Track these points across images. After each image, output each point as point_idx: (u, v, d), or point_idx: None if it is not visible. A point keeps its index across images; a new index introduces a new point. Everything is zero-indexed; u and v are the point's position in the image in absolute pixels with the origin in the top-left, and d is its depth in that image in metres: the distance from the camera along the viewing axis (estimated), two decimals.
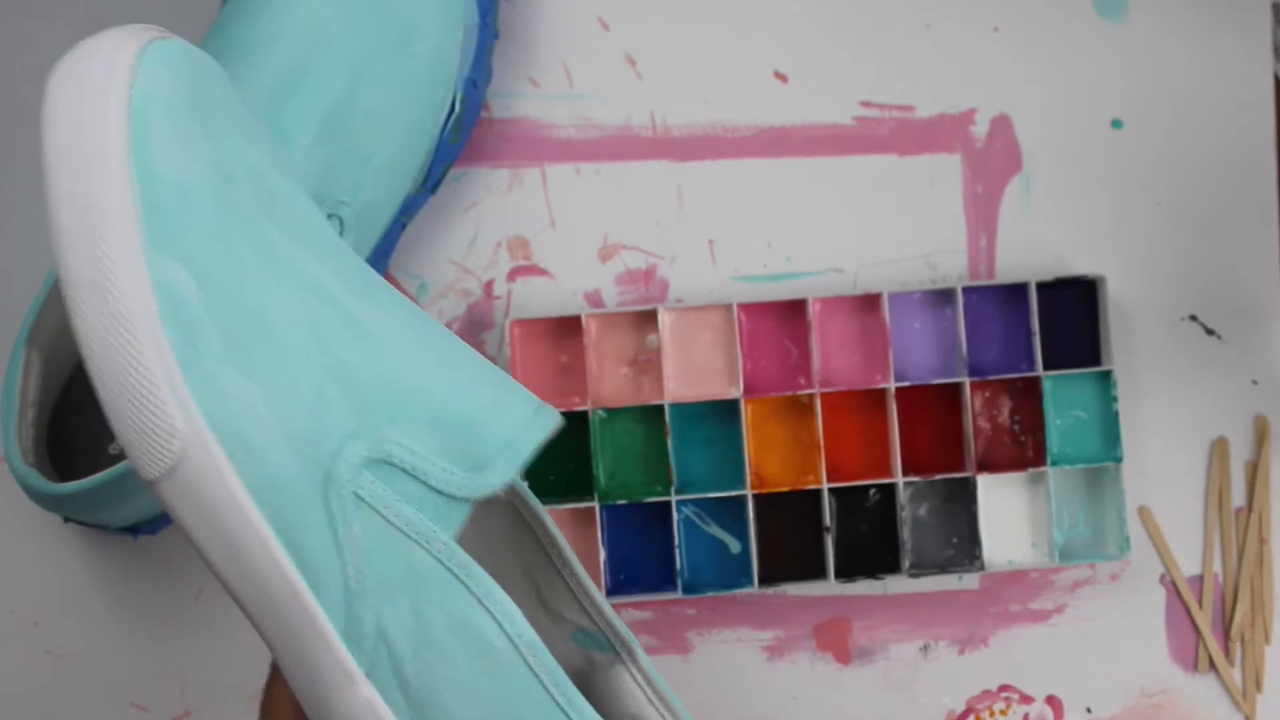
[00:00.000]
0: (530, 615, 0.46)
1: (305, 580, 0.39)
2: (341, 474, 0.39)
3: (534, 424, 0.41)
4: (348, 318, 0.40)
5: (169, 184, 0.38)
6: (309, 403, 0.39)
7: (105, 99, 0.38)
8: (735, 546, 0.59)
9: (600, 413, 0.59)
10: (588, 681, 0.46)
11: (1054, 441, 0.59)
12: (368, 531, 0.39)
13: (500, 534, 0.46)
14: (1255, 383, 0.61)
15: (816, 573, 0.59)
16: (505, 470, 0.40)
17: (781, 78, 0.61)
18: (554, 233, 0.60)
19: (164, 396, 0.38)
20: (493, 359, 0.60)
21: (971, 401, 0.59)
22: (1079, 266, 0.61)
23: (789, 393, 0.59)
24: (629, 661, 0.45)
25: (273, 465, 0.39)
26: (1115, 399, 0.59)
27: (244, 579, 0.40)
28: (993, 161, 0.61)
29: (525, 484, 0.45)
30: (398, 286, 0.60)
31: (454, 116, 0.56)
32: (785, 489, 0.58)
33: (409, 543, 0.40)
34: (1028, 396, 0.59)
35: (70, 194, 0.38)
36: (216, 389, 0.39)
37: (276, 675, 0.44)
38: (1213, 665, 0.60)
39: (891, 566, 0.59)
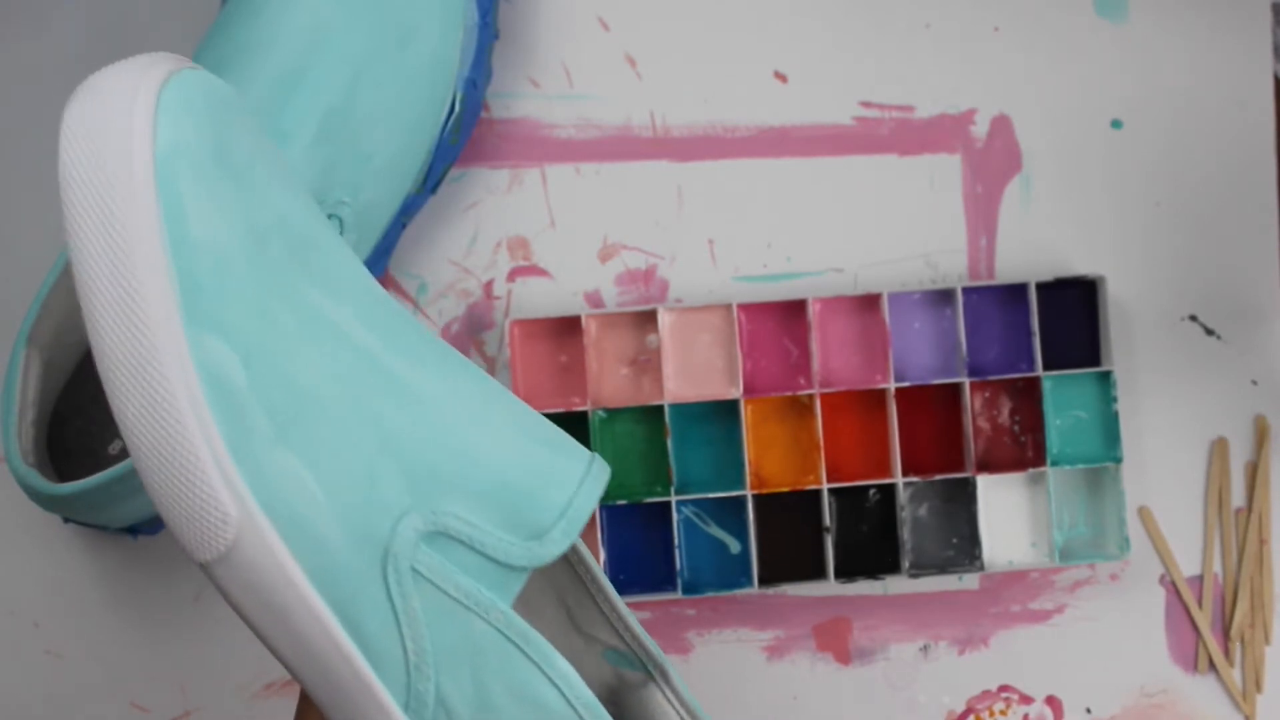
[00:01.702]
0: (563, 637, 0.46)
1: (365, 658, 0.39)
2: (399, 550, 0.38)
3: (588, 485, 0.40)
4: (393, 382, 0.39)
5: (204, 252, 0.37)
6: (361, 480, 0.38)
7: (129, 159, 0.36)
8: (735, 546, 0.59)
9: (600, 413, 0.59)
10: (619, 700, 0.46)
11: (1054, 441, 0.59)
12: (426, 605, 0.39)
13: None
14: (1255, 383, 0.61)
15: (816, 573, 0.59)
16: (563, 538, 0.40)
17: (781, 78, 0.61)
18: (554, 233, 0.60)
19: (215, 483, 0.37)
20: (492, 359, 0.60)
21: (971, 401, 0.59)
22: (1079, 266, 0.61)
23: (789, 393, 0.59)
24: (661, 682, 0.45)
25: (329, 546, 0.38)
26: (1115, 399, 0.59)
27: (301, 658, 0.39)
28: (993, 161, 0.61)
29: None
30: (398, 287, 0.60)
31: (454, 116, 0.56)
32: (785, 489, 0.58)
33: (468, 614, 0.39)
34: (1028, 396, 0.59)
35: (101, 270, 0.36)
36: (268, 473, 0.37)
37: (307, 706, 0.44)
38: (1213, 665, 0.60)
39: (891, 567, 0.59)
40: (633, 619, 0.45)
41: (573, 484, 0.40)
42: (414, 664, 0.39)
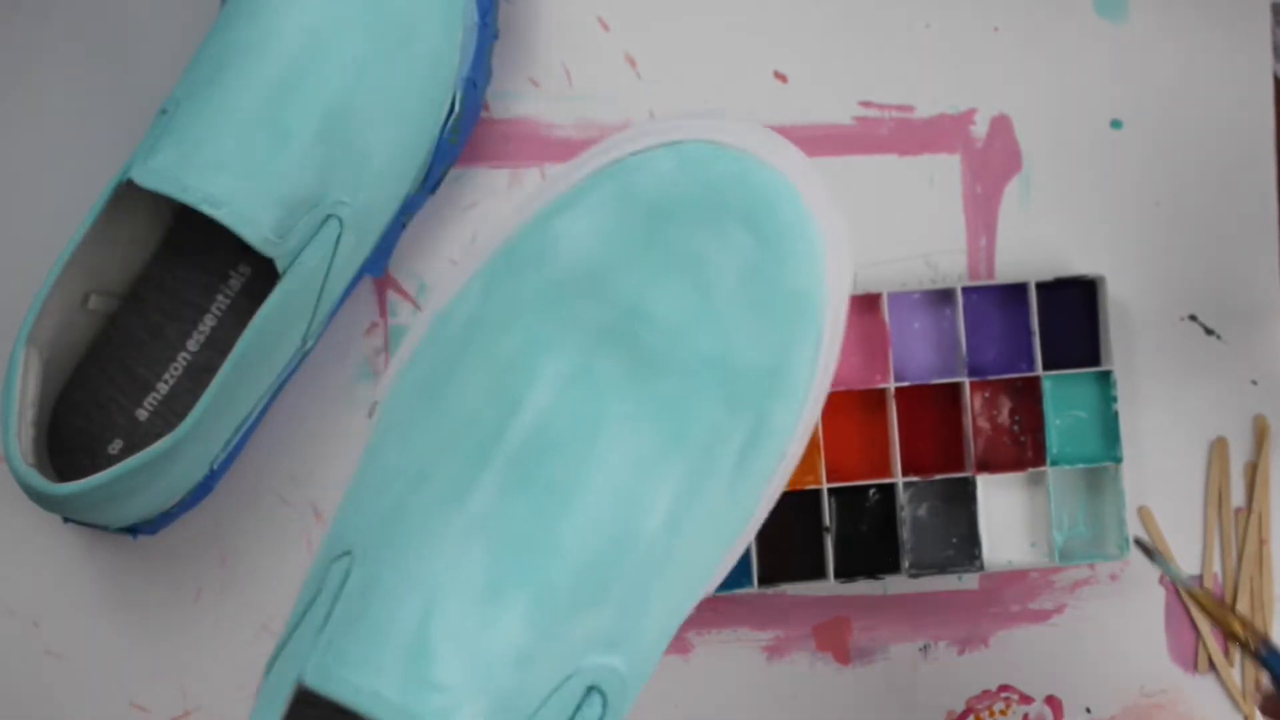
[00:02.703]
0: None
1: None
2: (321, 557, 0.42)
3: (325, 680, 0.39)
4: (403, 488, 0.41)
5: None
6: (360, 500, 0.42)
7: None
8: None
9: None
10: None
11: (1054, 441, 0.59)
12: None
13: None
14: (1255, 383, 0.61)
15: (816, 573, 0.59)
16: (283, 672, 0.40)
17: (781, 78, 0.61)
18: None
19: None
20: None
21: (971, 401, 0.59)
22: (1079, 266, 0.61)
23: None
24: None
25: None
26: (1115, 399, 0.59)
27: None
28: (993, 161, 0.61)
29: None
30: (397, 287, 0.60)
31: (454, 116, 0.56)
32: (785, 489, 0.58)
33: (291, 634, 0.41)
34: (1027, 396, 0.59)
35: None
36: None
37: None
38: (1212, 665, 0.60)
39: (891, 566, 0.59)
40: None
41: (323, 661, 0.39)
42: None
